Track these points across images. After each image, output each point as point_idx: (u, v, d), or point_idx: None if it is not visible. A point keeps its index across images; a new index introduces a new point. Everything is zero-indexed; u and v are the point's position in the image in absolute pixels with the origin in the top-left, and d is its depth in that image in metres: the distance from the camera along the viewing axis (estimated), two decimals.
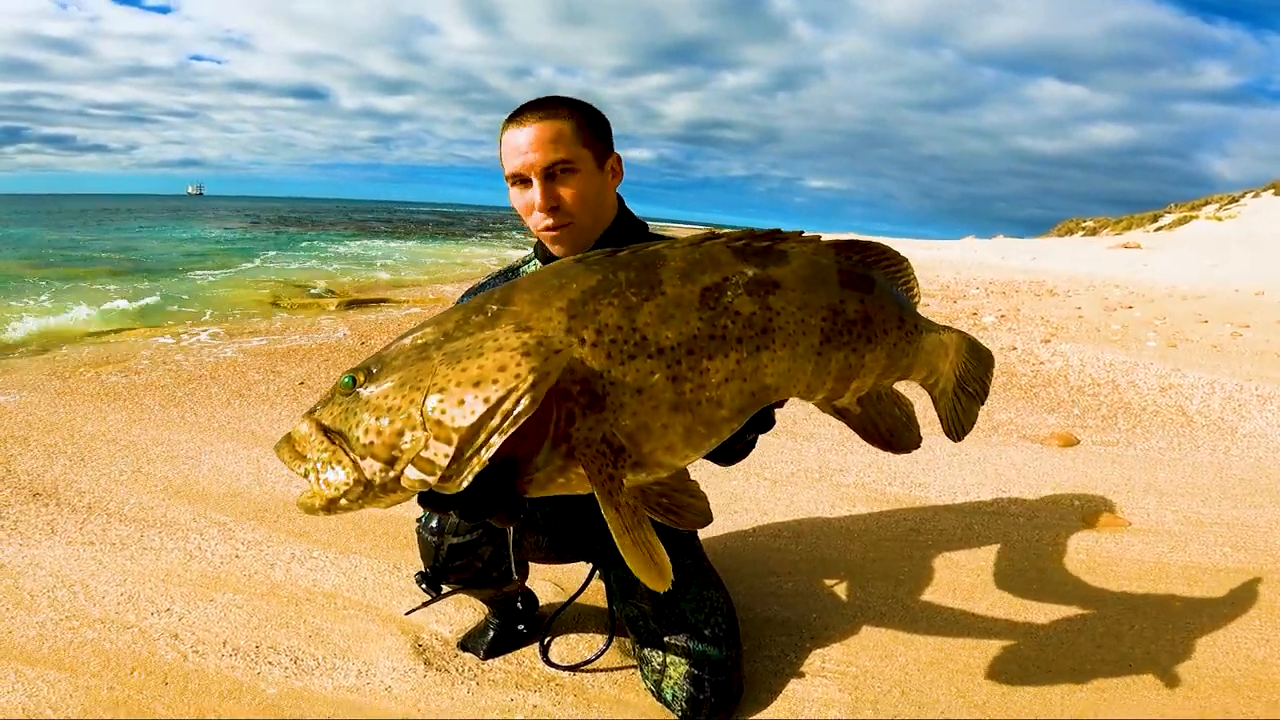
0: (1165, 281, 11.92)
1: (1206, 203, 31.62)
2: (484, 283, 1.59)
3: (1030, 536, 2.38)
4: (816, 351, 1.06)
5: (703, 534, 2.37)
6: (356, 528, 2.40)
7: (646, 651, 1.61)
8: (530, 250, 1.61)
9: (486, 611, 1.82)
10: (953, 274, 14.12)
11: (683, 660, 1.56)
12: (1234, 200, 30.14)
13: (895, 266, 1.24)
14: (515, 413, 0.85)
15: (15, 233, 20.97)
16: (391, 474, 0.87)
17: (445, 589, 1.61)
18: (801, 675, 1.69)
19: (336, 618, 1.89)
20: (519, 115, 1.39)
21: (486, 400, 0.84)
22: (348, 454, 0.87)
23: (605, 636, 1.75)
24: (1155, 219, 31.92)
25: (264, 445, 3.20)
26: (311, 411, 0.95)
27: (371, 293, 9.74)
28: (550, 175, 1.37)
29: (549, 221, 1.39)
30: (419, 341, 0.94)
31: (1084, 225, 35.86)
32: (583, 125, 1.40)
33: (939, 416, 1.37)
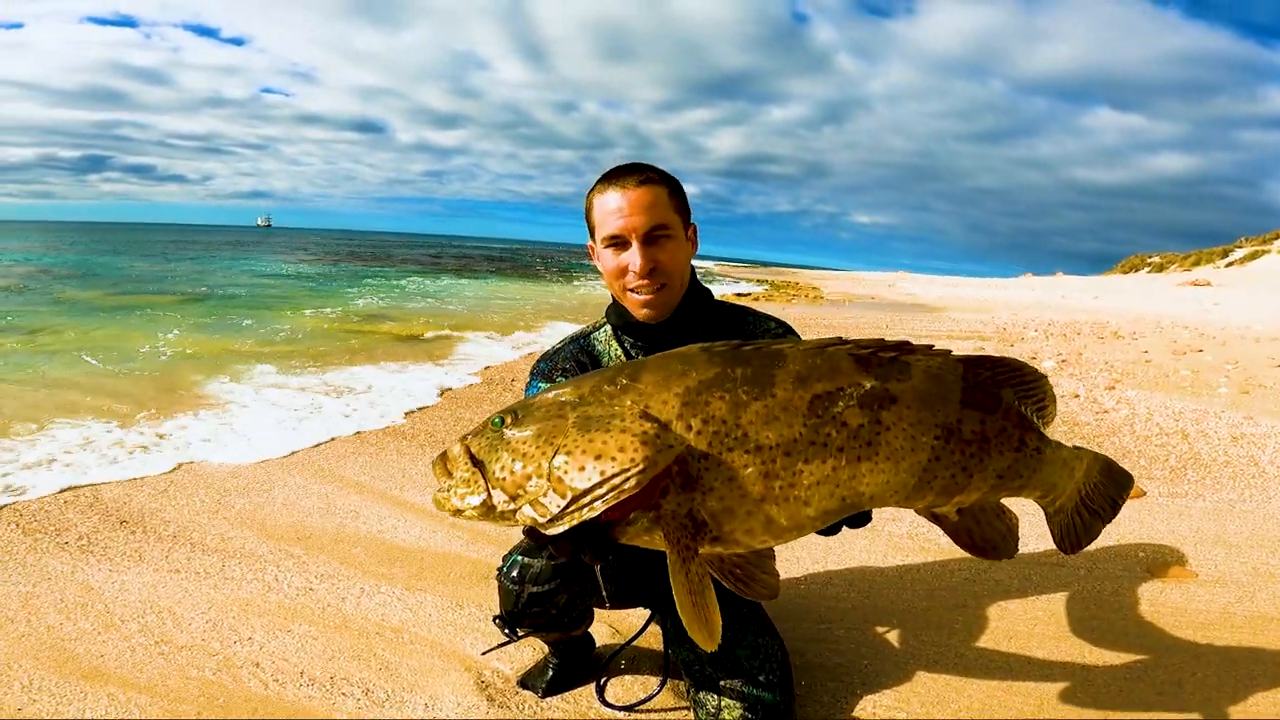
0: (1237, 322, 11.46)
1: (1279, 235, 30.32)
2: (558, 347, 1.68)
3: (1091, 587, 2.35)
4: (922, 468, 1.09)
5: None
6: (421, 564, 2.52)
7: (701, 695, 1.65)
8: (602, 317, 1.69)
9: (547, 651, 1.89)
10: (1009, 315, 13.84)
11: (737, 705, 1.60)
12: None
13: (1028, 384, 1.21)
14: (622, 489, 0.98)
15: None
16: (512, 507, 1.03)
17: (520, 632, 1.69)
18: None
19: (405, 652, 1.99)
20: (619, 178, 1.49)
21: (602, 473, 0.98)
22: (484, 481, 1.04)
23: (660, 679, 1.80)
24: (1225, 253, 30.71)
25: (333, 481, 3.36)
26: (464, 438, 1.12)
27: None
28: (650, 239, 1.47)
29: (645, 283, 1.48)
30: (559, 399, 1.09)
31: (1149, 261, 34.72)
32: (674, 194, 1.52)
33: (1050, 530, 1.34)
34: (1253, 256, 28.47)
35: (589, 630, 1.92)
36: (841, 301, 19.19)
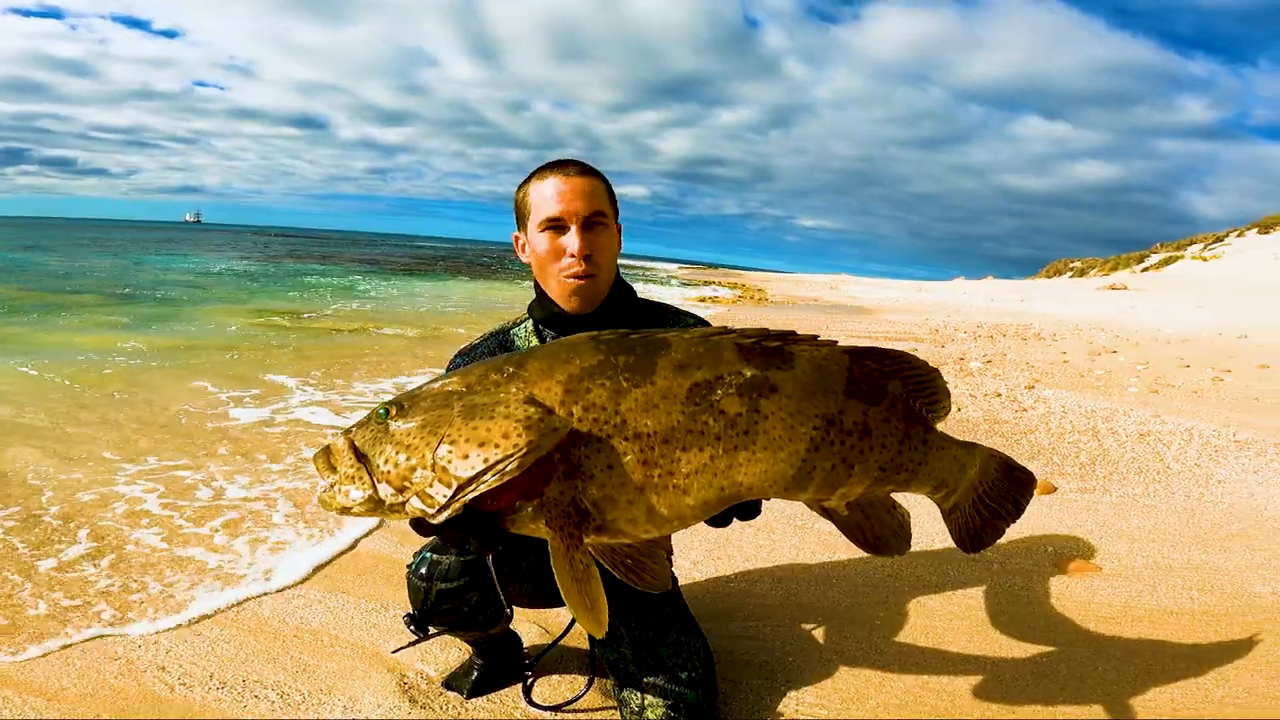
0: (1150, 325, 12.11)
1: (1192, 242, 32.17)
2: (476, 343, 1.67)
3: (1003, 582, 2.45)
4: (801, 459, 1.09)
5: (687, 578, 2.44)
6: (341, 565, 2.45)
7: (626, 693, 1.66)
8: (524, 313, 1.69)
9: (471, 652, 1.87)
10: (943, 317, 14.32)
11: (660, 703, 1.61)
12: (1219, 239, 30.68)
13: (919, 378, 1.22)
14: (505, 472, 0.98)
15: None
16: (399, 499, 1.02)
17: (432, 630, 1.67)
18: (775, 718, 1.74)
19: (323, 654, 1.95)
20: (559, 167, 1.51)
21: (486, 460, 0.99)
22: (369, 475, 1.04)
23: (587, 678, 1.80)
24: (1142, 259, 32.43)
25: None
26: (348, 430, 1.10)
27: None
28: (588, 225, 1.48)
29: (579, 269, 1.48)
30: (446, 389, 1.08)
31: (1072, 265, 36.38)
32: (609, 189, 1.55)
33: (948, 529, 1.34)
34: (1167, 262, 30.13)
35: (513, 630, 1.91)
36: (785, 303, 19.52)
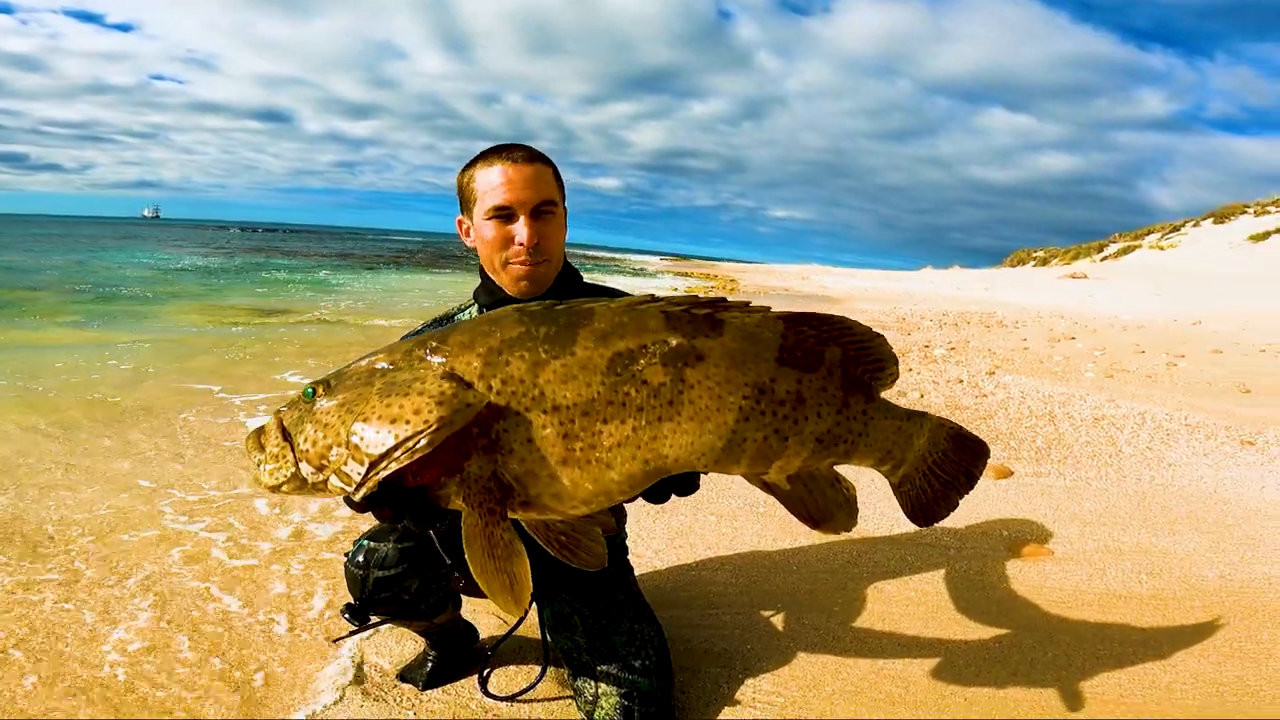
0: (1108, 312, 12.39)
1: (1149, 232, 32.94)
2: (420, 329, 1.64)
3: (959, 567, 2.48)
4: (730, 429, 1.05)
5: (649, 567, 2.44)
6: (301, 555, 2.41)
7: (580, 682, 1.65)
8: (469, 298, 1.67)
9: (425, 643, 1.85)
10: (910, 306, 14.50)
11: (614, 691, 1.61)
12: (1175, 229, 31.46)
13: (860, 343, 1.16)
14: (415, 449, 0.98)
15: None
16: (320, 478, 1.03)
17: (374, 619, 1.64)
18: (732, 704, 1.74)
19: (280, 646, 1.90)
20: (505, 152, 1.46)
21: (396, 436, 0.99)
22: (292, 453, 1.05)
23: (541, 667, 1.79)
24: (1101, 248, 33.13)
25: None
26: (279, 410, 1.11)
27: None
28: (537, 214, 1.45)
29: (528, 256, 1.45)
30: (370, 366, 1.08)
31: (1035, 255, 37.03)
32: (557, 175, 1.51)
33: (899, 503, 1.29)
34: (1125, 251, 30.82)
35: (468, 621, 1.89)
36: (758, 293, 19.59)
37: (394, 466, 0.99)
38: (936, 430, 1.25)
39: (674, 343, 1.05)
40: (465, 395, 1.00)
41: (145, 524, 2.72)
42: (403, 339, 1.60)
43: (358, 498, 1.03)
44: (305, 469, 1.03)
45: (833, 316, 1.15)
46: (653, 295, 1.10)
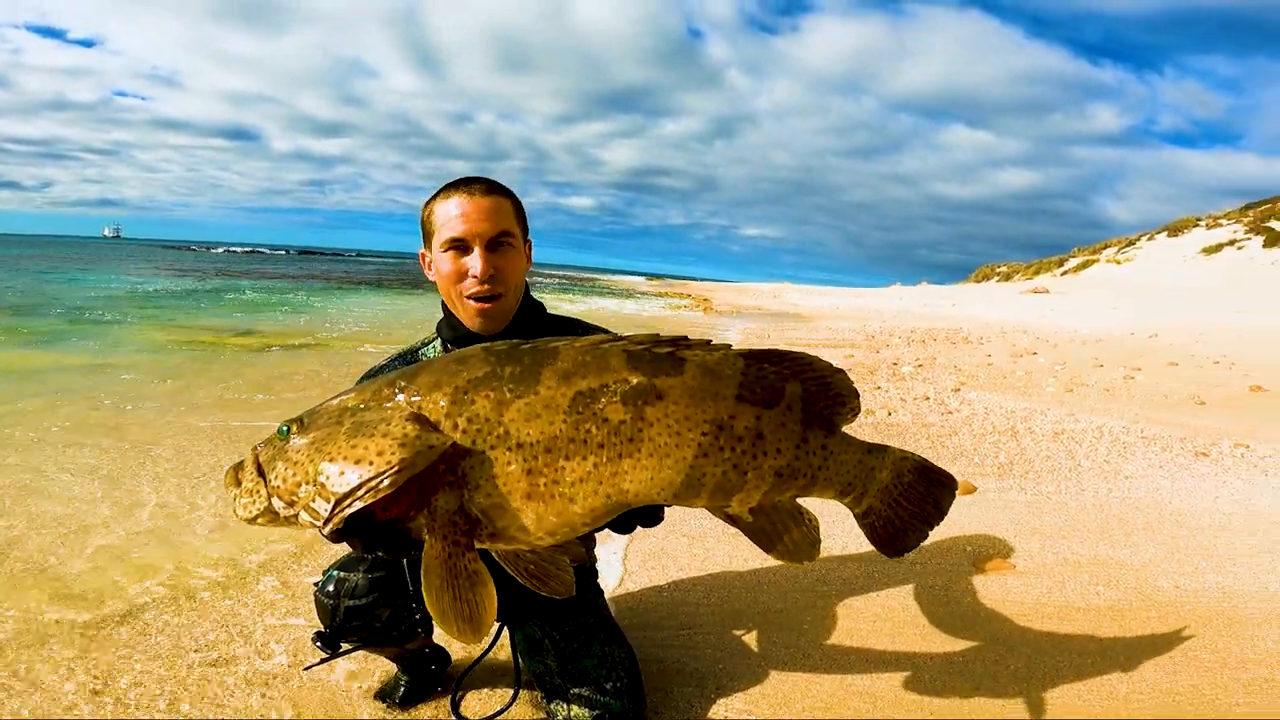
0: (1069, 326, 12.71)
1: (1106, 246, 33.89)
2: (382, 364, 1.66)
3: (925, 582, 2.54)
4: (689, 465, 1.09)
5: (620, 589, 2.46)
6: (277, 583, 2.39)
7: (553, 706, 1.68)
8: (433, 332, 1.69)
9: (397, 669, 1.85)
10: (879, 323, 14.73)
11: (587, 714, 1.63)
12: (1131, 243, 32.40)
13: (821, 379, 1.18)
14: (378, 489, 1.03)
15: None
16: (290, 512, 1.08)
17: (345, 646, 1.65)
18: None
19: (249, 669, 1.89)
20: (464, 185, 1.49)
21: (360, 477, 1.03)
22: (265, 488, 1.10)
23: (514, 692, 1.80)
24: (1061, 263, 33.99)
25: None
26: (257, 446, 1.16)
27: None
28: (492, 246, 1.47)
29: (483, 289, 1.47)
30: (342, 405, 1.13)
31: (998, 270, 37.87)
32: (517, 207, 1.53)
33: (864, 533, 1.31)
34: (1084, 265, 31.66)
35: (440, 645, 1.89)
36: (730, 312, 19.77)
37: (358, 505, 1.03)
38: (900, 462, 1.28)
39: (634, 381, 1.08)
40: (428, 438, 1.04)
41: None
42: (364, 376, 1.61)
43: (325, 532, 1.07)
44: (277, 504, 1.08)
45: (793, 353, 1.18)
46: (616, 335, 1.15)
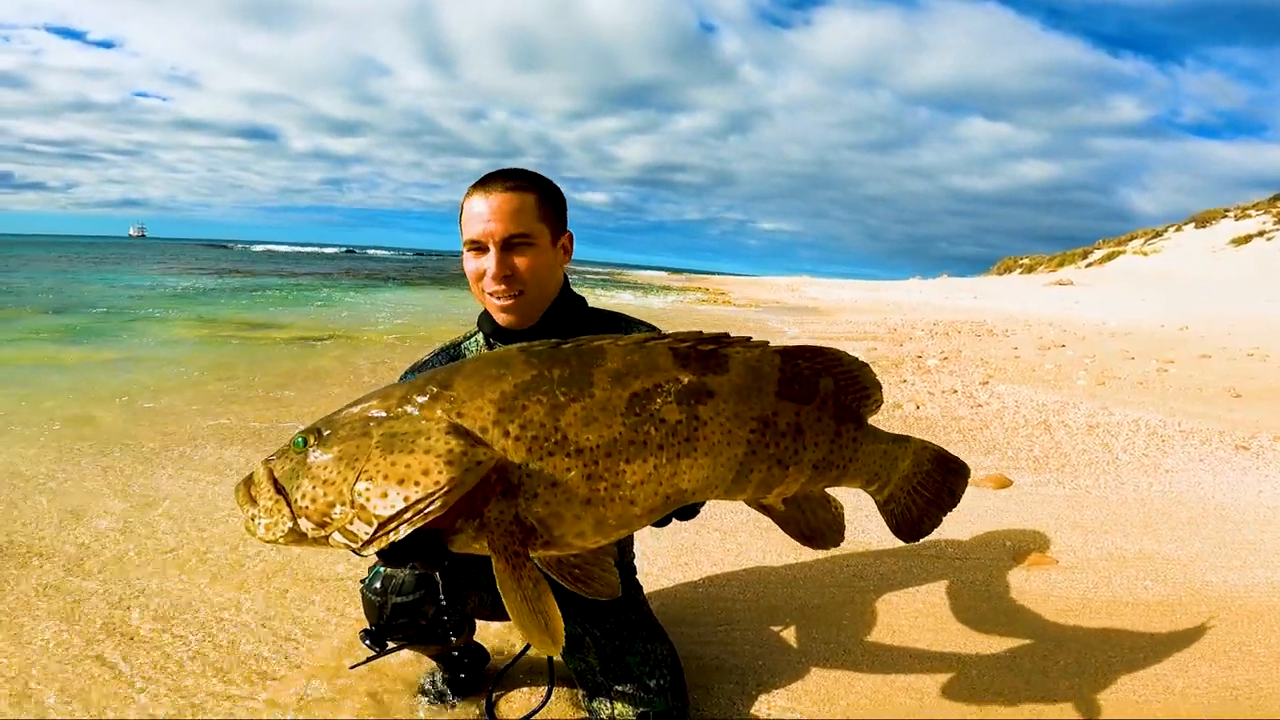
0: (1095, 319, 12.50)
1: (1132, 238, 33.33)
2: (427, 359, 1.64)
3: (965, 577, 2.49)
4: (739, 462, 1.10)
5: (656, 585, 2.43)
6: (310, 580, 2.39)
7: (595, 704, 1.65)
8: (475, 325, 1.67)
9: (435, 666, 1.84)
10: (900, 316, 14.59)
11: (630, 712, 1.60)
12: (1158, 235, 31.84)
13: (849, 374, 1.23)
14: (427, 513, 0.95)
15: None
16: (322, 534, 1.00)
17: (391, 645, 1.63)
18: None
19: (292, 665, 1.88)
20: (485, 184, 1.46)
21: (406, 499, 0.96)
22: (288, 506, 1.01)
23: (547, 691, 1.78)
24: (1085, 255, 33.47)
25: None
26: (269, 460, 1.07)
27: None
28: (508, 246, 1.45)
29: (500, 289, 1.46)
30: (364, 414, 1.04)
31: (1020, 263, 37.38)
32: (544, 202, 1.49)
33: (884, 520, 1.38)
34: (1109, 258, 31.16)
35: (478, 642, 1.88)
36: (749, 305, 19.69)
37: (405, 530, 0.96)
38: (920, 452, 1.35)
39: (685, 380, 1.08)
40: (475, 453, 0.98)
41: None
42: (409, 370, 1.60)
43: (365, 554, 1.01)
44: (305, 525, 1.00)
45: (823, 348, 1.22)
46: (660, 332, 1.13)
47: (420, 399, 1.03)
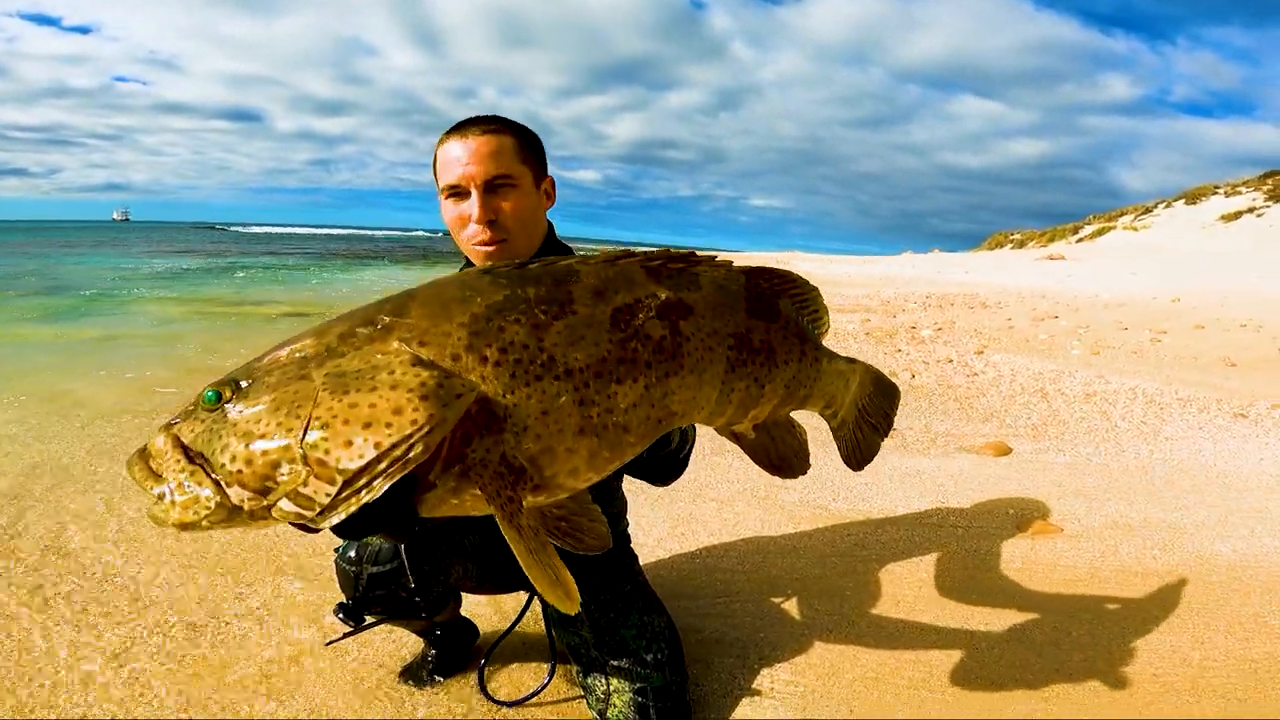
0: (1088, 291, 12.46)
1: (1123, 213, 33.39)
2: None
3: (969, 546, 2.42)
4: (722, 380, 1.05)
5: (652, 557, 2.35)
6: (292, 561, 2.30)
7: (590, 680, 1.57)
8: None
9: (424, 644, 1.75)
10: (893, 290, 14.52)
11: (627, 688, 1.52)
12: (1147, 211, 31.92)
13: (803, 295, 1.23)
14: (406, 459, 0.79)
15: None
16: (263, 503, 0.80)
17: (369, 619, 1.54)
18: (749, 696, 1.67)
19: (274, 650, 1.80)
20: (461, 128, 1.37)
21: (378, 445, 0.78)
22: (210, 478, 0.81)
23: (548, 665, 1.70)
24: (1076, 230, 33.52)
25: None
26: (169, 425, 0.86)
27: None
28: (490, 188, 1.35)
29: (485, 235, 1.36)
30: (296, 354, 0.87)
31: (1012, 238, 37.39)
32: (522, 144, 1.39)
33: (838, 446, 1.37)
34: (1100, 233, 31.20)
35: (467, 617, 1.79)
36: None
37: (381, 485, 0.79)
38: (865, 374, 1.36)
39: (664, 296, 1.01)
40: (453, 384, 0.83)
41: None
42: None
43: (327, 524, 0.82)
44: (238, 495, 0.80)
45: (779, 270, 1.20)
46: (627, 250, 1.04)
47: (367, 330, 0.87)
